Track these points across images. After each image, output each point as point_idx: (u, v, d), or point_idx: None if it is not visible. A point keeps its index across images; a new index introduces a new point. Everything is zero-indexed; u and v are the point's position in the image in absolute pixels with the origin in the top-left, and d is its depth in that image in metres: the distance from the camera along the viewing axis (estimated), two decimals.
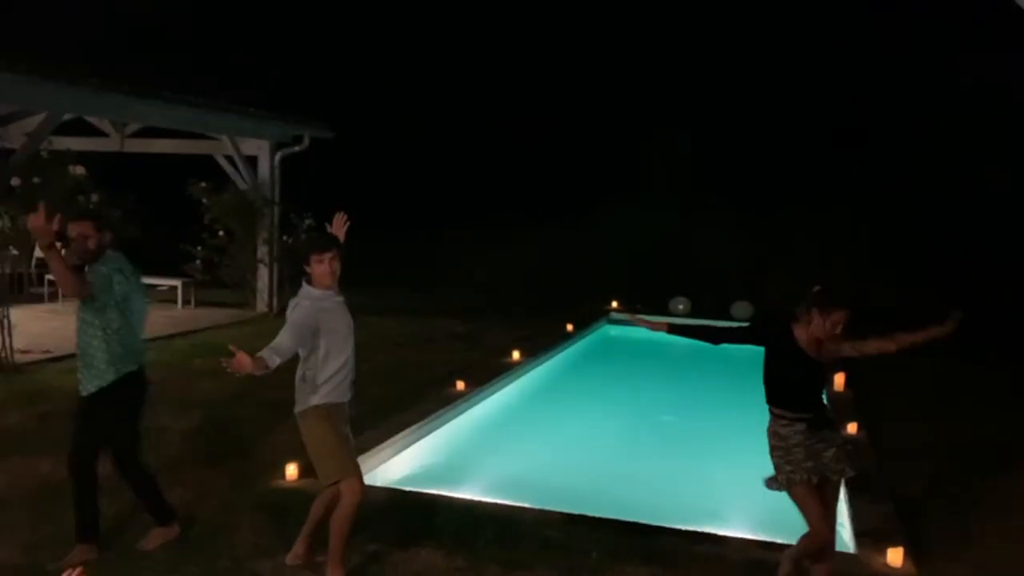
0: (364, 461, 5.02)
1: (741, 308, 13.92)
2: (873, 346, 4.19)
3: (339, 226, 4.66)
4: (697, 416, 8.99)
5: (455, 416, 7.86)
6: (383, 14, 21.79)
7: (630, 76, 21.10)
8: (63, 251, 4.30)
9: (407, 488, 5.79)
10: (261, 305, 13.12)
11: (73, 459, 4.48)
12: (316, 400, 4.19)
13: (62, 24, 15.64)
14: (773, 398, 4.22)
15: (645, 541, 4.90)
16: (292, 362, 4.17)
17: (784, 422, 4.15)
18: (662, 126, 18.19)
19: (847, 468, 4.18)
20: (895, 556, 4.66)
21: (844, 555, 4.66)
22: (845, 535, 5.06)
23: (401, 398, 7.88)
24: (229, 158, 13.00)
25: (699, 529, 5.12)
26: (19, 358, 8.71)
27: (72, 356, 4.69)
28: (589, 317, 13.34)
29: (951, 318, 4.14)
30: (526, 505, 5.46)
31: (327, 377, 4.18)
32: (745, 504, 5.85)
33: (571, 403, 9.39)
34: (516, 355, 10.03)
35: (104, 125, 13.12)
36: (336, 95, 18.60)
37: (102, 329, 4.36)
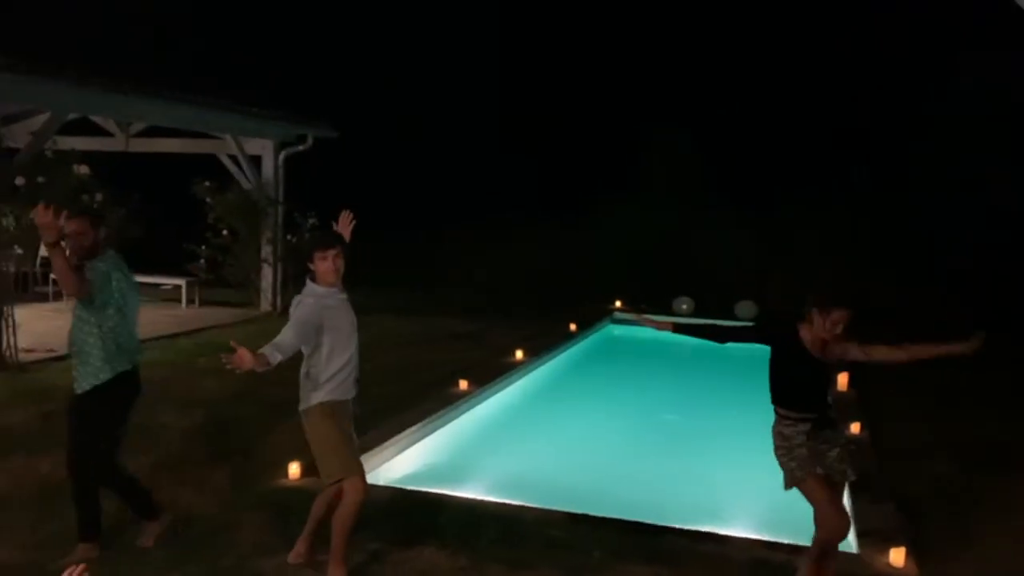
0: (367, 460, 5.03)
1: (745, 308, 13.92)
2: (884, 352, 4.14)
3: (345, 224, 4.68)
4: (701, 415, 9.00)
5: (458, 415, 7.87)
6: (382, 14, 21.80)
7: (630, 76, 21.12)
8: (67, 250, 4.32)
9: (410, 487, 5.79)
10: (265, 304, 13.13)
11: (73, 458, 4.48)
12: (320, 397, 4.20)
13: (63, 24, 15.66)
14: (778, 398, 4.23)
15: (648, 540, 4.91)
16: (295, 361, 4.18)
17: (788, 422, 4.16)
18: (662, 126, 18.21)
19: (849, 472, 4.19)
20: (897, 556, 4.67)
21: (847, 555, 4.67)
22: (848, 535, 5.06)
23: (404, 397, 7.89)
24: (233, 158, 13.01)
25: (702, 529, 5.13)
26: (23, 357, 8.72)
27: None
28: (592, 316, 13.34)
29: (974, 337, 3.98)
30: (529, 504, 5.46)
31: (331, 374, 4.19)
32: (749, 504, 5.87)
33: (574, 402, 9.39)
34: (519, 355, 10.04)
35: (109, 125, 13.13)
36: (336, 95, 18.60)
37: (98, 327, 4.36)
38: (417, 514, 5.23)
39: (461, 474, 6.46)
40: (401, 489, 5.73)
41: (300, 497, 5.12)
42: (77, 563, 4.10)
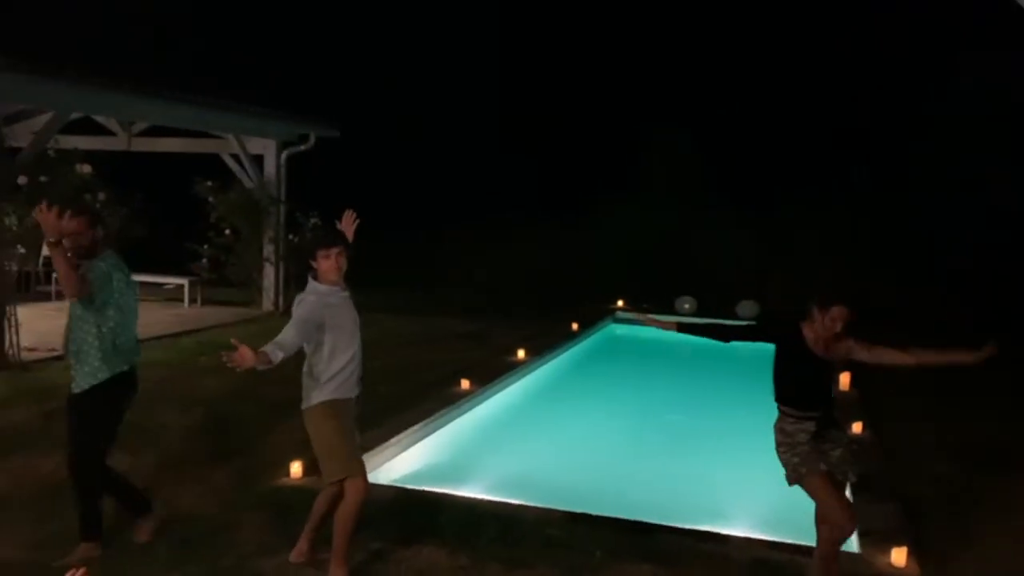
0: (368, 459, 5.03)
1: (747, 307, 13.93)
2: (890, 355, 4.14)
3: (348, 224, 4.69)
4: (703, 415, 8.99)
5: (459, 415, 7.87)
6: (383, 14, 21.80)
7: (630, 76, 21.11)
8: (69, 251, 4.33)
9: (411, 486, 5.80)
10: (267, 303, 13.14)
11: (73, 458, 4.49)
12: (322, 396, 4.19)
13: (63, 24, 15.67)
14: (782, 397, 4.24)
15: (648, 540, 4.91)
16: (297, 359, 4.18)
17: (791, 420, 4.17)
18: (662, 126, 18.21)
19: (851, 473, 4.19)
20: (899, 556, 4.67)
21: (848, 555, 4.67)
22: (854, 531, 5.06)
23: (405, 397, 7.89)
24: (235, 157, 13.02)
25: (703, 528, 5.13)
26: (26, 356, 8.73)
27: None
28: (594, 316, 13.34)
29: (986, 347, 3.98)
30: (529, 504, 5.47)
31: (333, 373, 4.19)
32: (751, 503, 5.87)
33: (576, 402, 9.39)
34: (521, 354, 10.04)
35: (111, 124, 13.13)
36: (336, 95, 18.61)
37: (96, 326, 4.37)
38: (418, 513, 5.23)
39: (462, 473, 6.47)
40: (402, 488, 5.73)
41: (301, 496, 5.12)
42: (78, 563, 4.14)
